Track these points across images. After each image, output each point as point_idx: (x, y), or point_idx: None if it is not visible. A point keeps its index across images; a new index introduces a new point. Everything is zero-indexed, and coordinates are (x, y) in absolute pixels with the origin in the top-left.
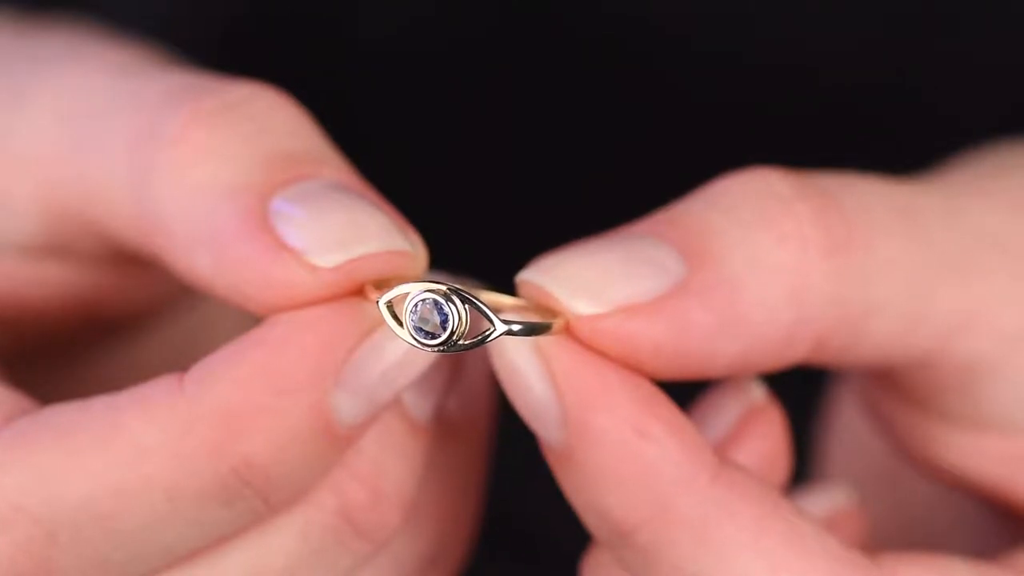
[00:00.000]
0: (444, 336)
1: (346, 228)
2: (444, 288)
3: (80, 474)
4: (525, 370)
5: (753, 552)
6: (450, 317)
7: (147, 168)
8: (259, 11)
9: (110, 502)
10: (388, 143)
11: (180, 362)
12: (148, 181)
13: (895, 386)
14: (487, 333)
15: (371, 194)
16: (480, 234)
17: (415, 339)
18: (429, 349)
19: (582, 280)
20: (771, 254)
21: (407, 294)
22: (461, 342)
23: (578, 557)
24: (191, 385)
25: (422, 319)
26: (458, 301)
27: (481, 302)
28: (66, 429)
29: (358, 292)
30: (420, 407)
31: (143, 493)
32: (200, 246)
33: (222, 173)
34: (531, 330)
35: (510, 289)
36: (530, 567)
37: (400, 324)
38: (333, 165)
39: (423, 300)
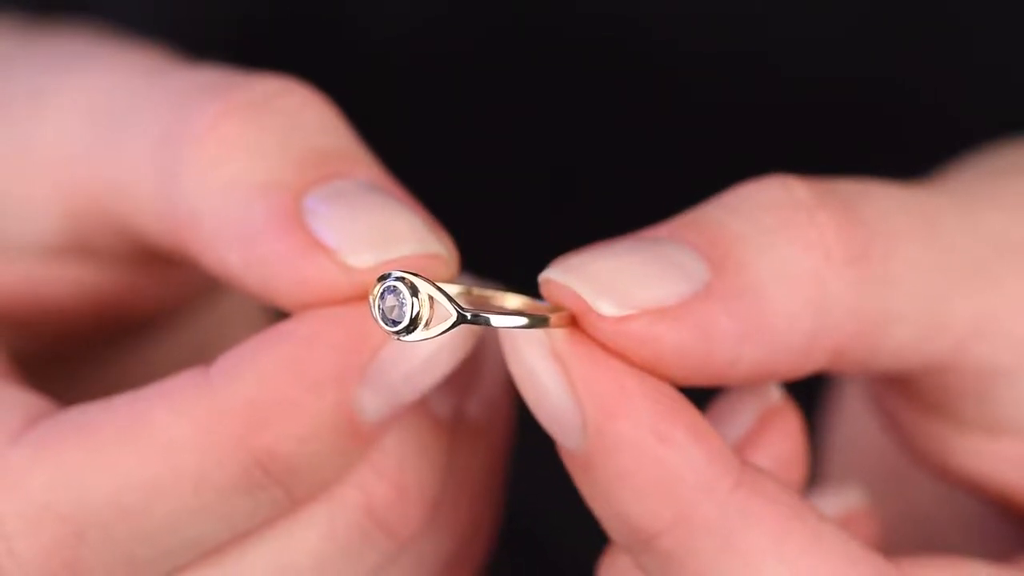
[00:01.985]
0: (403, 324)
1: (381, 229)
2: (409, 277)
3: (107, 471)
4: (543, 375)
5: (776, 558)
6: (406, 305)
7: (176, 163)
8: (260, 14)
9: (137, 497)
10: (392, 145)
11: (200, 360)
12: (177, 176)
13: (908, 390)
14: (451, 321)
15: (403, 195)
16: (486, 235)
17: (381, 325)
18: (395, 337)
19: (607, 280)
20: (794, 263)
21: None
22: (422, 331)
23: (587, 557)
24: (218, 376)
25: (390, 307)
26: (421, 290)
27: (444, 292)
28: (91, 427)
29: None
30: (441, 405)
31: (170, 486)
32: (231, 242)
33: (254, 169)
34: (528, 322)
35: (529, 291)
36: (539, 567)
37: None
38: (365, 164)
39: (388, 288)
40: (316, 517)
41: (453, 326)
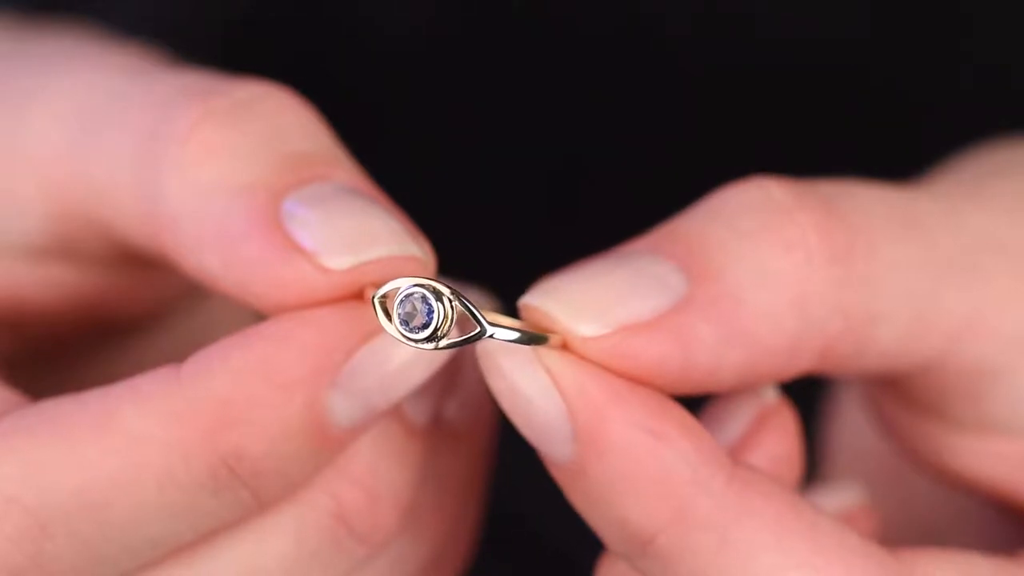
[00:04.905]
0: (428, 332)
1: (358, 232)
2: (433, 284)
3: (74, 464)
4: (528, 386)
5: (775, 551)
6: (435, 313)
7: (156, 166)
8: (259, 14)
9: (103, 492)
10: (390, 144)
11: None
12: (157, 179)
13: (900, 392)
14: (474, 333)
15: (382, 198)
16: (483, 234)
17: (401, 333)
18: (413, 344)
19: (585, 302)
20: (775, 264)
21: (399, 289)
22: (445, 340)
23: (577, 557)
24: (188, 374)
25: (409, 313)
26: (445, 298)
27: (470, 303)
28: (60, 420)
29: (361, 295)
30: (417, 410)
31: (136, 482)
32: (210, 245)
33: (233, 172)
34: (528, 339)
35: (513, 292)
36: (529, 568)
37: (390, 320)
38: (345, 167)
39: (411, 294)
40: (285, 521)
41: (475, 338)
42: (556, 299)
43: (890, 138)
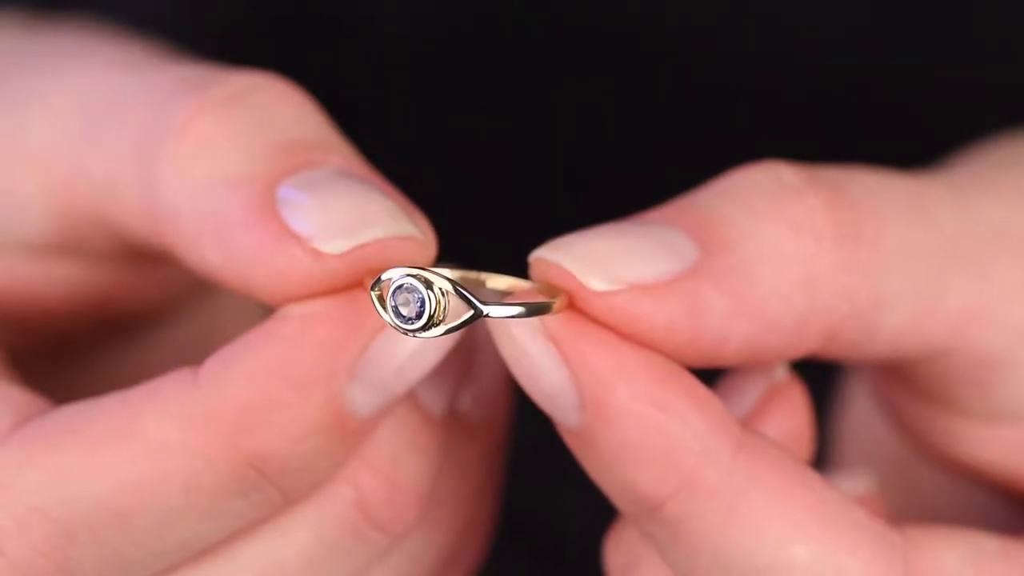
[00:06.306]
0: (423, 321)
1: (353, 214)
2: (423, 273)
3: (97, 472)
4: (536, 355)
5: (781, 522)
6: (426, 301)
7: (154, 160)
8: (259, 12)
9: (127, 499)
10: (391, 141)
11: (192, 361)
12: (155, 173)
13: (907, 381)
14: (469, 315)
15: (379, 181)
16: (488, 228)
17: (396, 324)
18: (411, 334)
19: (597, 258)
20: (784, 244)
21: (391, 280)
22: (442, 326)
23: (590, 551)
24: (205, 379)
25: (403, 304)
26: (436, 285)
27: (461, 287)
28: (81, 427)
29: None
30: (433, 400)
31: (160, 488)
32: (208, 236)
33: (228, 162)
34: (529, 311)
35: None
36: (540, 562)
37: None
38: (340, 152)
39: (402, 285)
40: (307, 514)
41: (471, 320)
42: (568, 253)
43: (895, 135)
